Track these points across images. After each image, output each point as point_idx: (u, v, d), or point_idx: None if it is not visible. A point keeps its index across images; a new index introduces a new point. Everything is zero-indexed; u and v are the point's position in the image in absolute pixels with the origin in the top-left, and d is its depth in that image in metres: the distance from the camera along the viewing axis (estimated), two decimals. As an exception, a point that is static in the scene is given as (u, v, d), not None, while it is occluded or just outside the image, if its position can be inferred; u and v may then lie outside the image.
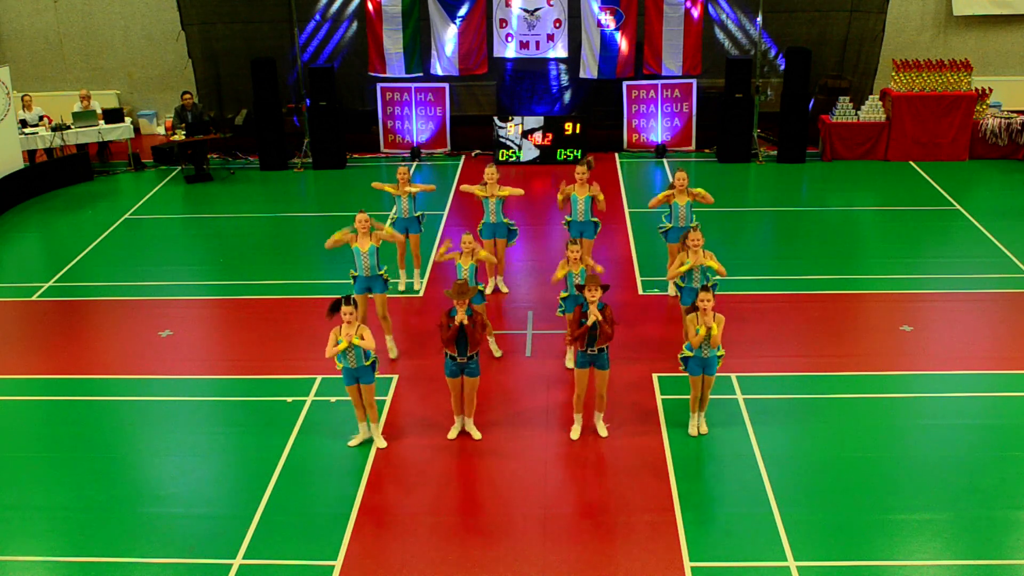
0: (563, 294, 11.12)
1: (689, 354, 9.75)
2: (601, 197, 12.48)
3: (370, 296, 11.35)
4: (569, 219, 12.73)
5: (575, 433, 10.12)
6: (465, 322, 9.49)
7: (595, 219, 12.71)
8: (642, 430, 10.12)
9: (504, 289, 13.47)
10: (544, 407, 10.62)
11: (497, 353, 11.68)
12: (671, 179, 18.09)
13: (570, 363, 11.11)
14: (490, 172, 12.74)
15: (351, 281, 11.41)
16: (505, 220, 12.87)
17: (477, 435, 10.16)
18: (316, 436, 10.19)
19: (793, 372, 11.28)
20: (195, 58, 20.15)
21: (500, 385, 11.14)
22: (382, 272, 11.25)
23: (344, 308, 9.42)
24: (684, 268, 10.93)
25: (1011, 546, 8.48)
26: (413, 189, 12.99)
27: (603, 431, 10.14)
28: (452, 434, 10.18)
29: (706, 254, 10.96)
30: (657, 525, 8.73)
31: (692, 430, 10.08)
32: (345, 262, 11.79)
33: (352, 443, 10.05)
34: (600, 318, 9.46)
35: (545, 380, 11.22)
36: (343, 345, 9.41)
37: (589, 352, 9.70)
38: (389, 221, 13.27)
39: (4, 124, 17.58)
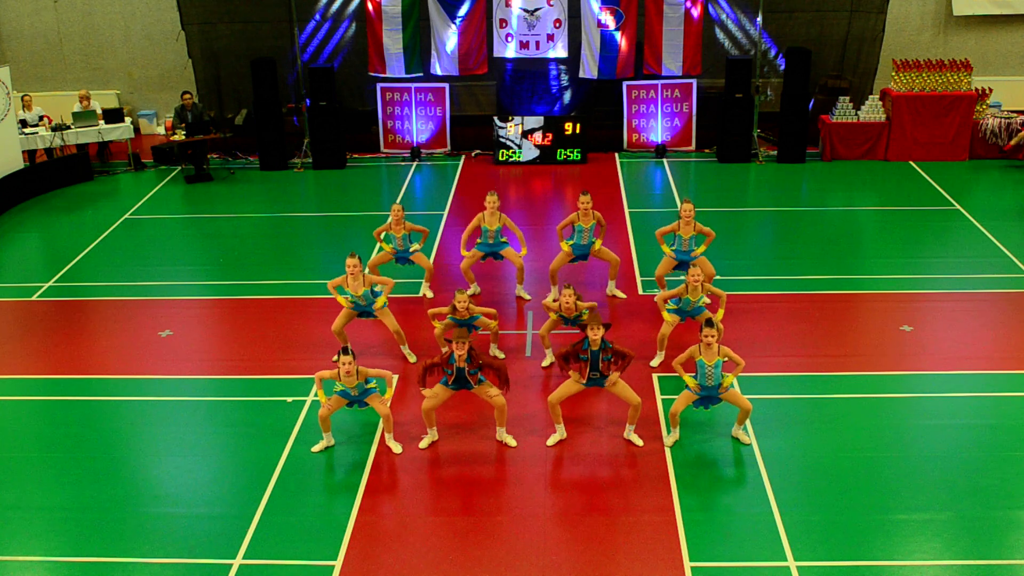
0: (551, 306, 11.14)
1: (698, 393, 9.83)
2: (603, 224, 12.60)
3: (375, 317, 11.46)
4: (571, 242, 12.63)
5: (552, 440, 10.04)
6: (463, 365, 9.53)
7: (595, 239, 12.60)
8: (642, 430, 10.11)
9: (526, 296, 13.34)
10: (544, 407, 10.61)
11: (500, 356, 11.69)
12: (671, 180, 18.22)
13: (547, 362, 11.48)
14: (492, 200, 12.57)
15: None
16: (502, 239, 12.81)
17: (510, 441, 10.04)
18: (316, 436, 10.18)
19: (793, 372, 11.28)
20: (195, 58, 20.16)
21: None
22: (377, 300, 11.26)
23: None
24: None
25: (1011, 546, 8.48)
26: (407, 229, 12.72)
27: (637, 439, 10.03)
28: (423, 444, 10.00)
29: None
30: (657, 525, 8.73)
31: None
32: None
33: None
34: (616, 372, 9.67)
35: (545, 380, 11.22)
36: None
37: (592, 376, 9.69)
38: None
39: (4, 124, 17.59)
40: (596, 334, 9.41)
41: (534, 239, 15.59)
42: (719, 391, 9.63)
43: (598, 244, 12.57)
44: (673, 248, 12.39)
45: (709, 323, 9.45)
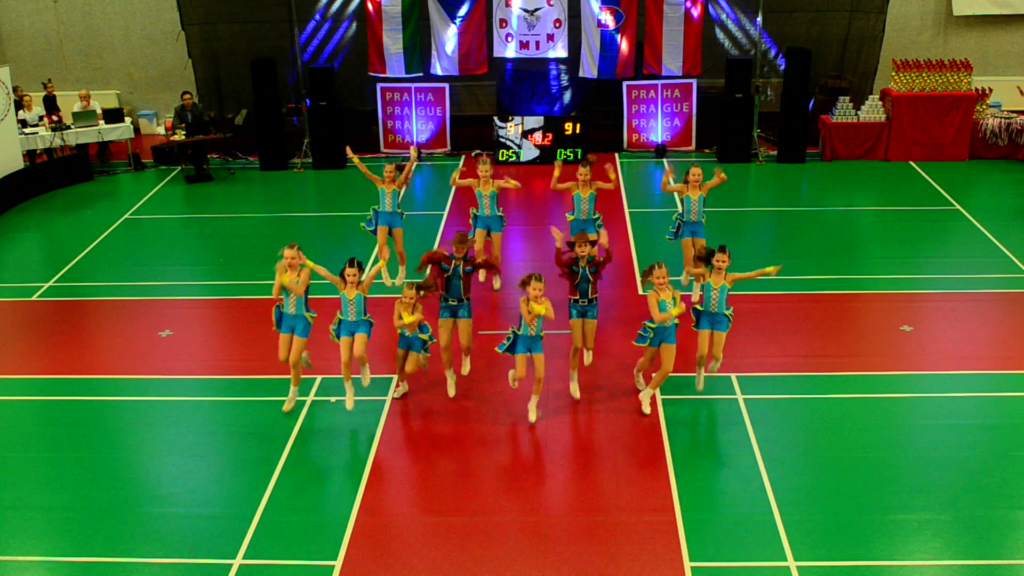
0: (513, 330, 10.14)
1: (700, 309, 10.31)
2: (609, 182, 12.60)
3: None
4: (571, 217, 12.77)
5: (574, 391, 10.63)
6: (460, 272, 10.45)
7: (596, 215, 12.74)
8: (642, 430, 10.12)
9: (496, 285, 13.48)
10: (544, 407, 10.62)
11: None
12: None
13: (576, 393, 10.69)
14: (484, 169, 12.80)
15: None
16: (499, 212, 12.98)
17: (465, 369, 11.07)
18: (316, 436, 10.19)
19: (793, 372, 11.28)
20: (195, 58, 20.17)
21: (500, 384, 11.14)
22: (307, 315, 10.26)
23: (347, 270, 10.02)
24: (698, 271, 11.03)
25: (1011, 546, 8.48)
26: (397, 186, 12.99)
27: (575, 392, 10.63)
28: (451, 391, 10.83)
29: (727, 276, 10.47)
30: (657, 525, 8.73)
31: (699, 384, 10.63)
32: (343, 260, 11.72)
33: (287, 407, 10.41)
34: (590, 270, 10.35)
35: (545, 379, 11.19)
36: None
37: (580, 303, 10.44)
38: (371, 212, 13.27)
39: (4, 124, 17.59)
40: (584, 250, 10.28)
41: (534, 239, 15.59)
42: (725, 310, 10.22)
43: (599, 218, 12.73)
44: (681, 216, 12.59)
45: (723, 249, 10.16)
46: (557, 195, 17.75)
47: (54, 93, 19.94)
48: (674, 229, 12.74)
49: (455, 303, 10.62)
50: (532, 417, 10.28)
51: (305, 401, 10.83)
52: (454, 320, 10.69)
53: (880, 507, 8.93)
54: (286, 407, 10.50)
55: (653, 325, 9.97)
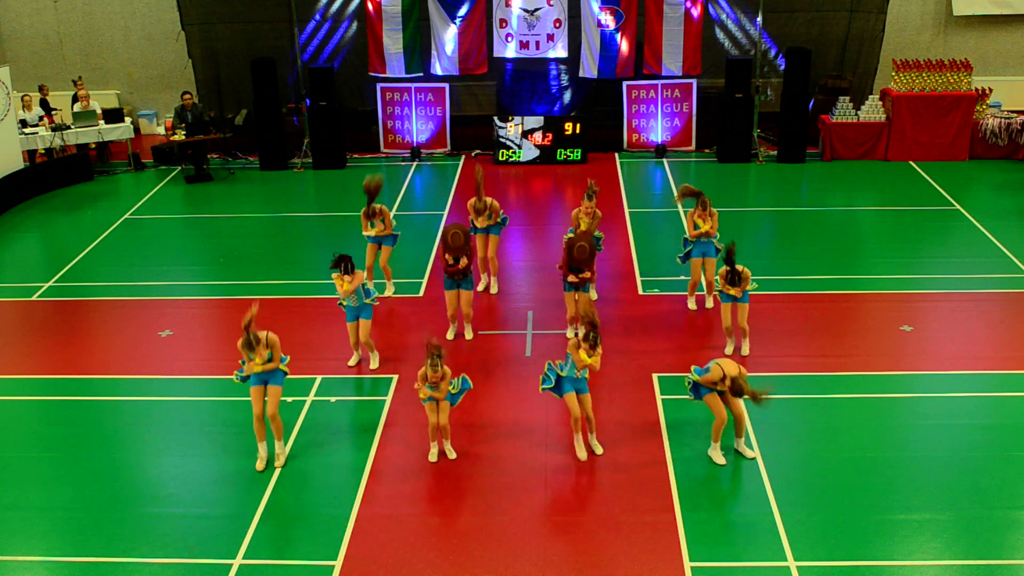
0: (553, 368, 9.76)
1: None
2: (598, 216, 12.68)
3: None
4: (569, 235, 12.71)
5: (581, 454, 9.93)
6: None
7: (600, 235, 12.69)
8: (642, 430, 10.12)
9: (494, 290, 13.44)
10: (544, 406, 10.61)
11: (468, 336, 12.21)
12: (671, 180, 18.21)
13: (582, 453, 9.87)
14: (473, 204, 12.91)
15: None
16: (496, 220, 13.03)
17: (469, 335, 12.08)
18: (316, 436, 10.19)
19: (793, 372, 11.28)
20: (195, 58, 20.17)
21: (500, 385, 11.14)
22: (282, 367, 9.86)
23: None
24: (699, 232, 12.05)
25: (1011, 546, 8.48)
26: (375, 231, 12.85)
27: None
28: (450, 335, 12.11)
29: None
30: (657, 525, 8.73)
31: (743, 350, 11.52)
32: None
33: (259, 466, 9.69)
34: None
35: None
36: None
37: (571, 280, 11.35)
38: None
39: (4, 124, 17.59)
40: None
41: (534, 238, 15.59)
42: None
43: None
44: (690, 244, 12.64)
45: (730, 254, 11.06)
46: (557, 196, 17.79)
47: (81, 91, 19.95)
48: (684, 251, 12.58)
49: (458, 277, 11.73)
50: (598, 450, 9.80)
51: (305, 401, 10.83)
52: (458, 290, 11.83)
53: (880, 507, 8.93)
54: (259, 466, 9.67)
55: (698, 378, 9.48)
